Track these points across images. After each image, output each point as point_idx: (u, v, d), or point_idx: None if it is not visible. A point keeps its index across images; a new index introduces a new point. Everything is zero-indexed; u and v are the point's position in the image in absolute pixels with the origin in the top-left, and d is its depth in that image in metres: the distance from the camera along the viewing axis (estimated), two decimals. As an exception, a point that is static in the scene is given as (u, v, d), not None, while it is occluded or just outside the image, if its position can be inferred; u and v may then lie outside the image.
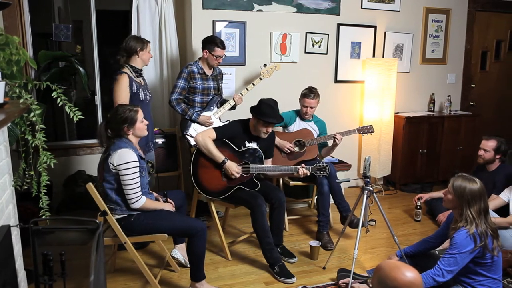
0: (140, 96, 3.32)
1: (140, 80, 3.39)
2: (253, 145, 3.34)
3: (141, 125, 2.72)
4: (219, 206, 3.84)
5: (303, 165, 3.23)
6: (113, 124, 2.67)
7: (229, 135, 3.29)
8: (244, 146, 3.30)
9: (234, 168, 3.20)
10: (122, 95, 3.22)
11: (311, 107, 3.89)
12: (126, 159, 2.57)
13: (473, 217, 2.47)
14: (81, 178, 4.17)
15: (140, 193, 2.64)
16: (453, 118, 5.26)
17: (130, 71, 3.32)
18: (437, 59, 5.44)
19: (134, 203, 2.62)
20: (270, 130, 3.29)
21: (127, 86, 3.24)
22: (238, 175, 3.22)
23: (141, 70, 3.41)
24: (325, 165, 3.21)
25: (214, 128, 3.31)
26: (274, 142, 3.62)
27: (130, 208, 2.65)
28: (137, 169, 2.60)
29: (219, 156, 3.19)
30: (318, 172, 3.22)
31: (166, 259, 3.16)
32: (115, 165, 2.58)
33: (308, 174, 3.23)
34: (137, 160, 2.61)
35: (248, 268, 3.23)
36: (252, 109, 3.27)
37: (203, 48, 3.78)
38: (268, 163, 3.45)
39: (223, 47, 3.76)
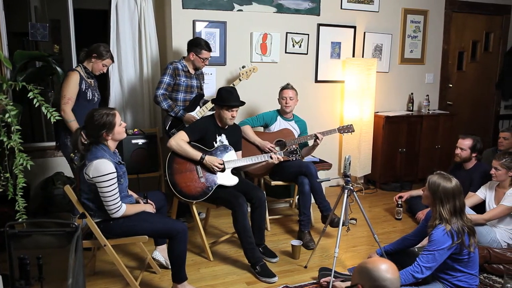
0: (88, 96, 3.41)
1: (90, 81, 3.48)
2: (223, 138, 3.41)
3: (120, 129, 2.63)
4: (200, 207, 3.82)
5: (274, 150, 3.27)
6: (91, 130, 2.57)
7: (200, 132, 3.33)
8: (215, 141, 3.36)
9: (214, 160, 3.22)
10: (71, 90, 3.31)
11: (290, 98, 3.91)
12: (102, 171, 2.47)
13: (446, 215, 2.51)
14: (59, 180, 4.10)
15: (120, 202, 2.57)
16: (432, 117, 5.35)
17: (83, 71, 3.42)
18: (416, 59, 5.53)
19: (115, 214, 2.56)
20: (235, 114, 3.35)
21: (77, 83, 3.33)
22: (222, 166, 3.23)
23: (92, 73, 3.48)
24: (295, 148, 3.27)
25: (184, 130, 3.32)
26: (241, 134, 3.68)
27: (108, 216, 2.59)
28: (115, 180, 2.52)
29: (196, 154, 3.21)
30: (290, 156, 3.28)
31: (147, 261, 3.13)
32: (91, 177, 2.49)
33: (282, 159, 3.29)
34: (114, 171, 2.52)
35: (230, 268, 3.23)
36: (213, 100, 3.40)
37: (189, 51, 3.78)
38: (238, 155, 3.49)
39: (209, 49, 3.80)
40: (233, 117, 3.34)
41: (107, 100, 4.37)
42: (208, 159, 3.22)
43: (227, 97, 3.30)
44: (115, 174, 2.53)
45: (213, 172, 3.25)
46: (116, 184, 2.54)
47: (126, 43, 4.30)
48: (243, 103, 3.38)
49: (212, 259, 3.34)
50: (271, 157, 3.29)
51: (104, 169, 2.48)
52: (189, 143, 3.26)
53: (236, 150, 3.45)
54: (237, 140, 3.56)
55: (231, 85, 4.04)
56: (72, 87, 3.31)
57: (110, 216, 2.57)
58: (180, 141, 3.22)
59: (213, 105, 3.90)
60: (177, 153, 3.23)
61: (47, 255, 2.36)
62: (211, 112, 3.97)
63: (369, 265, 1.57)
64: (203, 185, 3.24)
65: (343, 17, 4.98)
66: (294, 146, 3.31)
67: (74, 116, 3.31)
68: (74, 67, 3.44)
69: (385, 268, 1.53)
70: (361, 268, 1.60)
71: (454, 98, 5.92)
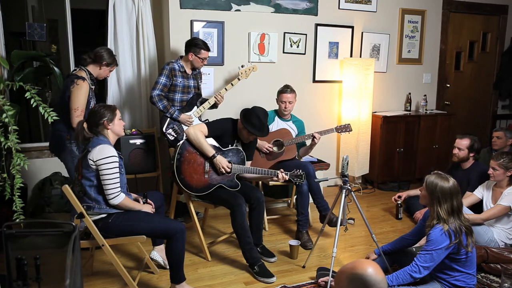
0: (90, 106, 3.29)
1: (93, 88, 3.37)
2: (239, 145, 3.40)
3: (120, 122, 2.73)
4: (198, 207, 3.82)
5: (282, 170, 3.27)
6: (93, 120, 2.66)
7: (219, 132, 3.32)
8: (232, 145, 3.35)
9: (224, 162, 3.22)
10: (82, 101, 3.19)
11: (289, 102, 3.90)
12: (106, 153, 2.56)
13: (443, 214, 2.52)
14: (56, 180, 4.10)
15: (119, 189, 2.62)
16: (429, 117, 5.36)
17: (88, 77, 3.28)
18: (413, 59, 5.54)
19: (113, 199, 2.59)
20: (252, 139, 3.36)
21: (87, 94, 3.22)
22: (228, 169, 3.23)
23: (96, 78, 3.38)
24: (302, 173, 3.28)
25: (206, 124, 3.32)
26: (256, 145, 3.67)
27: (109, 205, 2.62)
28: (117, 165, 2.59)
29: (209, 150, 3.20)
30: (295, 179, 3.29)
31: (145, 261, 3.13)
32: (94, 160, 2.55)
33: (287, 179, 3.29)
34: (117, 155, 2.61)
35: (228, 268, 3.23)
36: (242, 113, 3.29)
37: (187, 51, 3.77)
38: (247, 165, 3.47)
39: (207, 49, 3.79)
40: (250, 140, 3.36)
41: (105, 100, 4.36)
42: (219, 159, 3.21)
43: (254, 123, 3.24)
44: (117, 159, 2.60)
45: (219, 172, 3.25)
46: (118, 170, 2.59)
47: (124, 43, 4.29)
48: (265, 135, 3.37)
49: (210, 259, 3.34)
50: (277, 175, 3.28)
51: (107, 152, 2.56)
52: (207, 137, 3.26)
53: (246, 160, 3.44)
54: (251, 150, 3.56)
55: (230, 84, 4.04)
56: (83, 97, 3.18)
57: (109, 202, 2.60)
58: (198, 132, 3.21)
59: (211, 104, 3.91)
60: (192, 143, 3.23)
61: (44, 255, 2.36)
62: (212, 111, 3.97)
63: (358, 272, 1.52)
64: (206, 181, 3.24)
65: (341, 17, 4.99)
66: (300, 171, 3.31)
67: None
68: (77, 72, 3.26)
69: (374, 271, 1.51)
70: (351, 277, 1.54)
71: (452, 98, 5.93)
